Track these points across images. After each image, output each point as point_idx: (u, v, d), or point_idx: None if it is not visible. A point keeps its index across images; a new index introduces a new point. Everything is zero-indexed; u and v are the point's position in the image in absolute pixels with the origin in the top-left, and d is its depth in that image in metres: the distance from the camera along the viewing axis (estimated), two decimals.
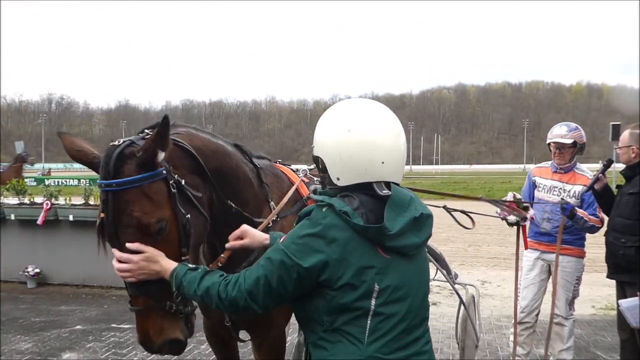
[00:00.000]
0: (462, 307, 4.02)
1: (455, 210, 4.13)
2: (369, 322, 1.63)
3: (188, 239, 1.96)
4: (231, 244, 2.00)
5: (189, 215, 1.97)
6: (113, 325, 5.94)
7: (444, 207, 4.21)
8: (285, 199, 2.53)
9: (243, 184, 2.37)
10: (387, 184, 1.74)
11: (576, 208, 4.03)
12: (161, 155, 1.87)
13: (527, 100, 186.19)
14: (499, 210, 4.18)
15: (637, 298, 3.50)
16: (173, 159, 1.99)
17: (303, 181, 2.83)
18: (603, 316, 6.15)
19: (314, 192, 1.89)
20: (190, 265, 1.84)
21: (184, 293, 1.80)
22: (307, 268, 1.61)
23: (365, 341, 1.63)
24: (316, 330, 1.70)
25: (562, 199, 4.12)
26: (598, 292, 6.40)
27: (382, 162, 1.70)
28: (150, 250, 1.82)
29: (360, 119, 1.73)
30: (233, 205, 2.28)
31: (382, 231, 1.63)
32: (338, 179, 1.73)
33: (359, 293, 1.61)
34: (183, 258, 1.94)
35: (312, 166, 3.37)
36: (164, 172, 1.91)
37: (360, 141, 1.70)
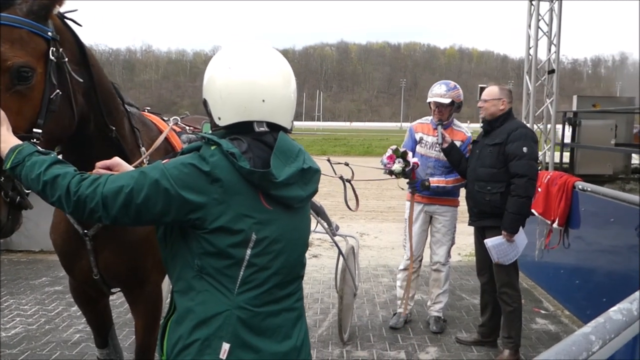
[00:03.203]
0: (341, 257, 4.16)
1: (338, 163, 4.22)
2: (241, 272, 1.56)
3: (47, 109, 1.77)
4: (97, 171, 1.77)
5: (59, 93, 1.80)
6: None
7: (328, 159, 4.29)
8: (158, 142, 2.38)
9: (120, 120, 2.20)
10: (274, 129, 1.67)
11: (430, 179, 4.36)
12: (57, 9, 1.80)
13: (405, 61, 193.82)
14: (383, 165, 4.34)
15: (501, 237, 3.82)
16: (62, 37, 1.86)
17: (174, 130, 2.68)
18: (467, 262, 6.69)
19: (202, 137, 1.75)
20: (40, 148, 1.62)
21: (22, 175, 1.56)
22: (183, 197, 1.50)
23: (235, 291, 1.56)
24: (185, 276, 1.60)
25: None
26: (463, 241, 6.89)
27: (263, 100, 1.62)
28: (2, 113, 1.61)
29: (244, 57, 1.65)
30: (113, 128, 2.11)
31: (268, 177, 1.56)
32: (219, 118, 1.65)
33: (234, 240, 1.54)
34: (34, 134, 1.72)
35: (183, 116, 3.23)
36: (51, 35, 1.79)
37: (240, 78, 1.62)
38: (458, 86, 4.45)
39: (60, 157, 1.63)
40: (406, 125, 4.50)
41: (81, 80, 1.93)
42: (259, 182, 1.56)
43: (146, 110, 2.83)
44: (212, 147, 1.57)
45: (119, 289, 2.53)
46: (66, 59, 1.85)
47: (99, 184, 1.51)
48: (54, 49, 1.79)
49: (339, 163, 4.11)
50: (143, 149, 2.31)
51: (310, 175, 1.70)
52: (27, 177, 1.55)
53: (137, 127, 2.36)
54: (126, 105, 2.36)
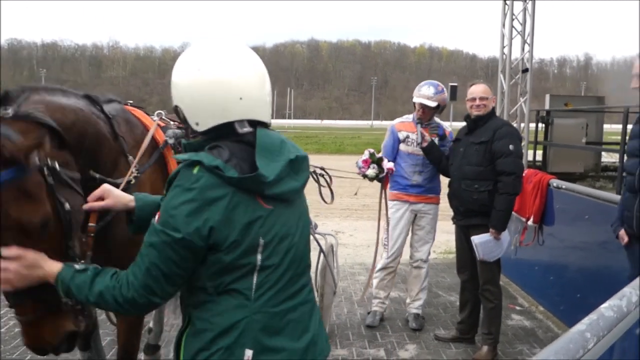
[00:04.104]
0: (322, 255, 4.13)
1: (315, 167, 4.20)
2: (255, 278, 1.52)
3: (71, 229, 1.73)
4: (90, 205, 1.75)
5: (68, 204, 1.72)
6: None
7: None
8: (142, 150, 2.30)
9: (104, 147, 2.13)
10: (254, 125, 1.60)
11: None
12: (35, 157, 1.61)
13: (376, 59, 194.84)
14: (358, 167, 4.34)
15: (488, 234, 3.84)
16: (44, 139, 1.70)
17: (159, 125, 2.59)
18: (443, 259, 6.76)
19: (182, 145, 1.68)
20: (76, 266, 1.59)
21: (76, 298, 1.58)
22: (192, 234, 1.45)
23: (252, 297, 1.52)
24: (197, 292, 1.56)
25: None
26: (438, 238, 6.97)
27: (240, 98, 1.55)
28: (29, 256, 1.56)
29: (212, 57, 1.57)
30: (97, 176, 2.04)
31: (259, 180, 1.50)
32: (197, 124, 1.57)
33: (242, 249, 1.49)
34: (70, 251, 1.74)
35: (159, 112, 3.14)
36: (37, 160, 1.63)
37: (211, 78, 1.54)
38: (445, 89, 4.48)
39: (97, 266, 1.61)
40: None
41: (76, 175, 1.84)
42: (252, 187, 1.51)
43: (128, 104, 2.73)
44: (194, 170, 1.49)
45: None
46: (57, 163, 1.72)
47: (132, 282, 1.51)
48: (46, 168, 1.67)
49: (315, 167, 4.07)
50: (130, 158, 2.24)
51: (299, 164, 1.64)
52: (79, 299, 1.58)
53: (121, 133, 2.26)
54: (105, 108, 2.24)
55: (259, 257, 1.51)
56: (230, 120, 1.56)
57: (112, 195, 1.77)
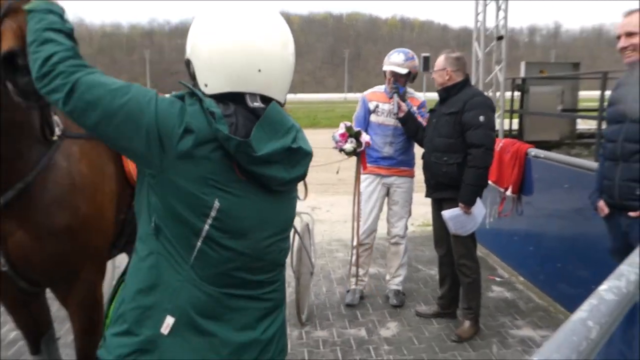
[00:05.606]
0: (297, 236, 3.98)
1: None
2: (199, 243, 1.36)
3: None
4: None
5: None
6: None
7: None
8: None
9: None
10: (266, 100, 1.45)
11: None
12: None
13: (348, 31, 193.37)
14: (335, 141, 4.19)
15: (457, 208, 3.73)
16: None
17: None
18: (421, 233, 6.67)
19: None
20: (67, 17, 1.47)
21: (31, 20, 1.44)
22: (157, 125, 1.32)
23: (190, 262, 1.36)
24: (142, 231, 1.42)
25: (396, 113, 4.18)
26: (416, 211, 6.86)
27: (259, 70, 1.40)
28: None
29: (241, 17, 1.42)
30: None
31: (246, 149, 1.33)
32: (206, 85, 1.42)
33: (193, 202, 1.34)
34: None
35: None
36: None
37: (235, 41, 1.39)
38: (415, 56, 4.33)
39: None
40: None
41: None
42: (235, 152, 1.34)
43: None
44: (193, 97, 1.36)
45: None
46: None
47: (82, 71, 1.34)
48: None
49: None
50: (56, 118, 2.01)
51: (299, 158, 1.47)
52: (32, 22, 1.44)
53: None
54: None
55: (208, 221, 1.35)
56: (242, 91, 1.41)
57: None
